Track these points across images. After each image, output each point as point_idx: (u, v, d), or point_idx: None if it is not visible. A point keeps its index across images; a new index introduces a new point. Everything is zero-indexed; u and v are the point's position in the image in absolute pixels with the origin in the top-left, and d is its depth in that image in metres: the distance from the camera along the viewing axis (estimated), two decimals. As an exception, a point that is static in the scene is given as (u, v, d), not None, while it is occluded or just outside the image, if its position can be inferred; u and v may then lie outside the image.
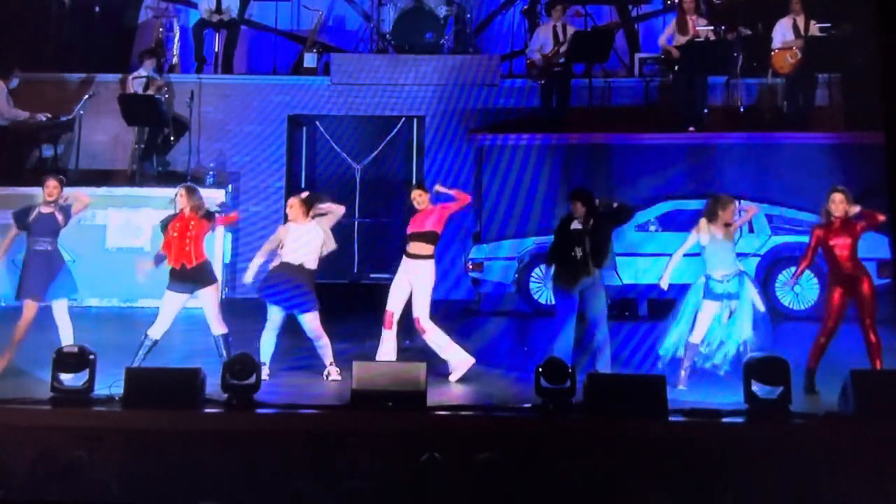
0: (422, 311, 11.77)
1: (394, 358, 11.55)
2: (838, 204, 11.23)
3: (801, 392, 10.52)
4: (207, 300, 11.66)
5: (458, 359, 11.77)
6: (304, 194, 12.23)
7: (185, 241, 11.58)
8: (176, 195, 11.79)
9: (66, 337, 11.55)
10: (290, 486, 8.58)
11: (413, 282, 11.83)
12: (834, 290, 11.22)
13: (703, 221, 11.46)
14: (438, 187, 12.48)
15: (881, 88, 12.40)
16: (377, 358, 11.53)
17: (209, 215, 11.91)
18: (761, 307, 11.34)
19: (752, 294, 11.35)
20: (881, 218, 11.35)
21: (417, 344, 12.27)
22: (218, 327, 11.64)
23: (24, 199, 12.15)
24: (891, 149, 12.41)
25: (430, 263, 11.90)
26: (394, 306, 11.84)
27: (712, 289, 11.27)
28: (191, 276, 11.56)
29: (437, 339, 11.80)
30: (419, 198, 11.97)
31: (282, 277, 11.66)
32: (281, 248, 11.76)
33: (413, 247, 11.88)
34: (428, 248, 11.87)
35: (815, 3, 16.38)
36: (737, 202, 11.70)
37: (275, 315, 11.69)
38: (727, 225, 11.41)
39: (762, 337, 11.24)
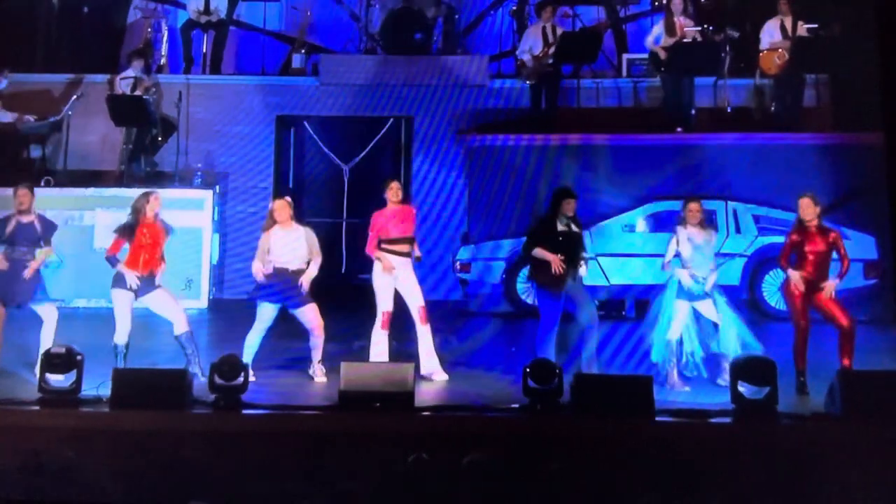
0: (422, 301, 11.92)
1: (388, 359, 11.59)
2: (805, 209, 11.22)
3: (788, 392, 10.53)
4: (167, 299, 11.67)
5: (435, 365, 11.85)
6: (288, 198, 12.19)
7: (157, 248, 11.67)
8: (149, 199, 11.71)
9: (48, 334, 11.55)
10: (279, 486, 8.61)
11: (406, 278, 11.90)
12: (797, 293, 11.23)
13: (678, 227, 11.56)
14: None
15: (881, 88, 12.44)
16: (372, 359, 11.58)
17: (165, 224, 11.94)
18: (716, 318, 11.37)
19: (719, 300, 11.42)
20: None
21: (407, 348, 12.29)
22: (185, 324, 11.62)
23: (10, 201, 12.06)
24: (891, 149, 12.44)
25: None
26: (391, 306, 11.83)
27: (683, 287, 11.30)
28: (152, 282, 11.60)
29: (429, 334, 11.88)
30: (399, 192, 12.03)
31: (276, 279, 11.65)
32: (268, 252, 11.72)
33: (401, 247, 11.90)
34: (410, 247, 12.00)
35: (803, 3, 16.40)
36: (701, 202, 11.72)
37: (266, 314, 11.64)
38: (701, 225, 11.47)
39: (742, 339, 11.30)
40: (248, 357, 11.41)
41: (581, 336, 11.51)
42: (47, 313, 11.60)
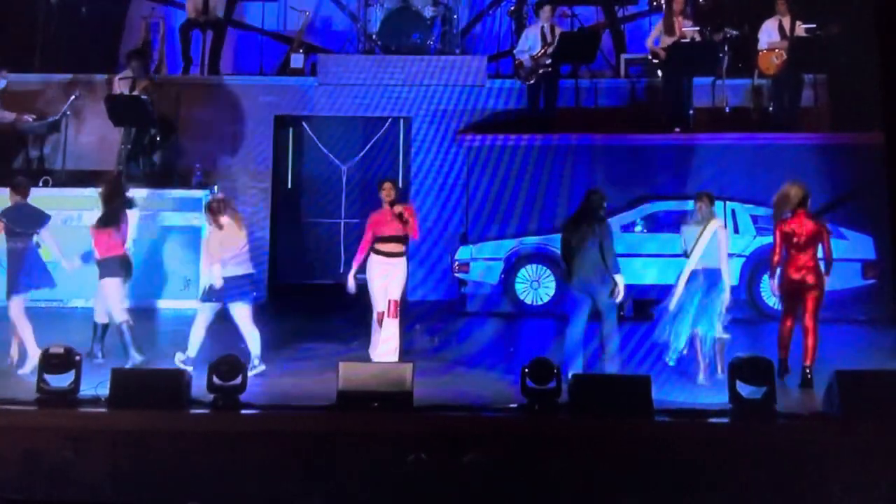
0: (398, 297, 12.10)
1: (393, 347, 11.88)
2: None
3: (786, 392, 10.53)
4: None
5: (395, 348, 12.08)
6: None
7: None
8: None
9: (28, 337, 11.68)
10: (277, 486, 8.61)
11: (394, 276, 12.05)
12: None
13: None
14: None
15: (881, 88, 12.44)
16: (372, 351, 11.84)
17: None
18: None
19: None
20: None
21: (407, 346, 12.33)
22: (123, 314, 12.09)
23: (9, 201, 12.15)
24: (891, 149, 12.45)
25: (405, 259, 12.29)
26: (385, 306, 11.98)
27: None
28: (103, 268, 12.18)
29: (395, 327, 12.10)
30: (392, 192, 12.18)
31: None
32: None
33: (393, 247, 12.09)
34: (403, 246, 12.20)
35: (801, 4, 16.41)
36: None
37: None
38: None
39: None
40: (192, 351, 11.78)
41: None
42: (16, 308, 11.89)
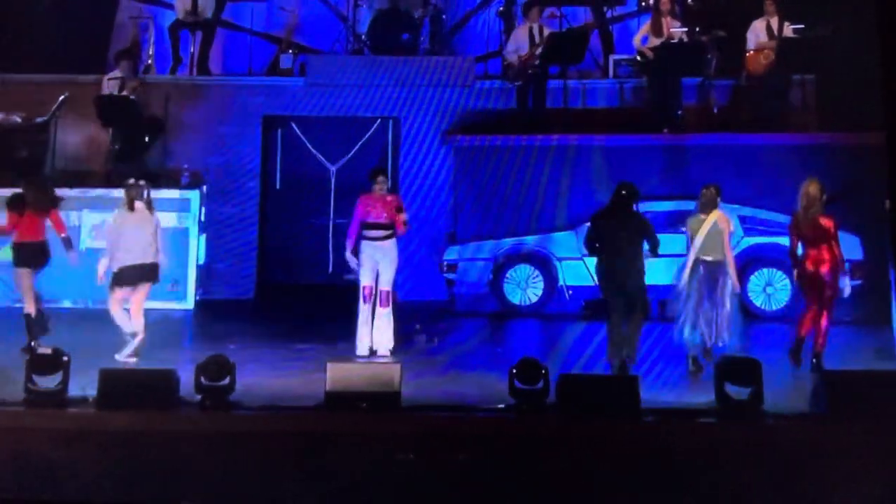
0: (390, 285, 12.54)
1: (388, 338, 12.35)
2: None
3: (774, 391, 10.54)
4: None
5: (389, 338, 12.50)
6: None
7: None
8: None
9: None
10: (267, 486, 8.61)
11: (386, 261, 12.52)
12: None
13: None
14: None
15: (881, 88, 12.48)
16: (358, 331, 12.23)
17: None
18: None
19: None
20: None
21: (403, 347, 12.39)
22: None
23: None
24: (891, 149, 12.50)
25: (394, 241, 12.73)
26: (370, 281, 12.45)
27: None
28: None
29: (388, 317, 12.46)
30: (385, 184, 12.83)
31: None
32: None
33: (381, 232, 12.51)
34: (390, 229, 12.60)
35: (789, 4, 16.44)
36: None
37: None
38: None
39: None
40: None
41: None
42: None
